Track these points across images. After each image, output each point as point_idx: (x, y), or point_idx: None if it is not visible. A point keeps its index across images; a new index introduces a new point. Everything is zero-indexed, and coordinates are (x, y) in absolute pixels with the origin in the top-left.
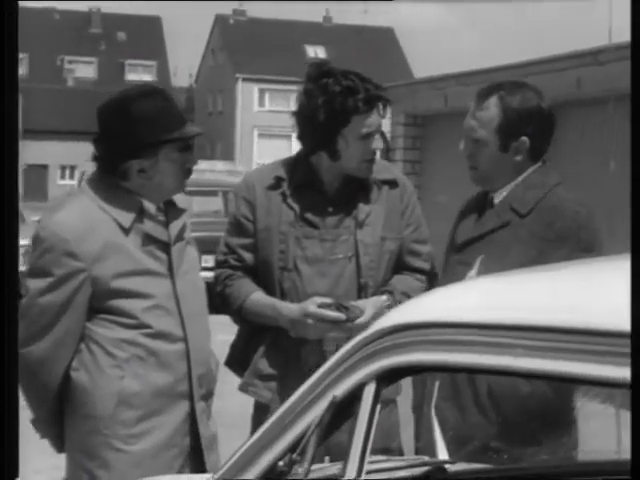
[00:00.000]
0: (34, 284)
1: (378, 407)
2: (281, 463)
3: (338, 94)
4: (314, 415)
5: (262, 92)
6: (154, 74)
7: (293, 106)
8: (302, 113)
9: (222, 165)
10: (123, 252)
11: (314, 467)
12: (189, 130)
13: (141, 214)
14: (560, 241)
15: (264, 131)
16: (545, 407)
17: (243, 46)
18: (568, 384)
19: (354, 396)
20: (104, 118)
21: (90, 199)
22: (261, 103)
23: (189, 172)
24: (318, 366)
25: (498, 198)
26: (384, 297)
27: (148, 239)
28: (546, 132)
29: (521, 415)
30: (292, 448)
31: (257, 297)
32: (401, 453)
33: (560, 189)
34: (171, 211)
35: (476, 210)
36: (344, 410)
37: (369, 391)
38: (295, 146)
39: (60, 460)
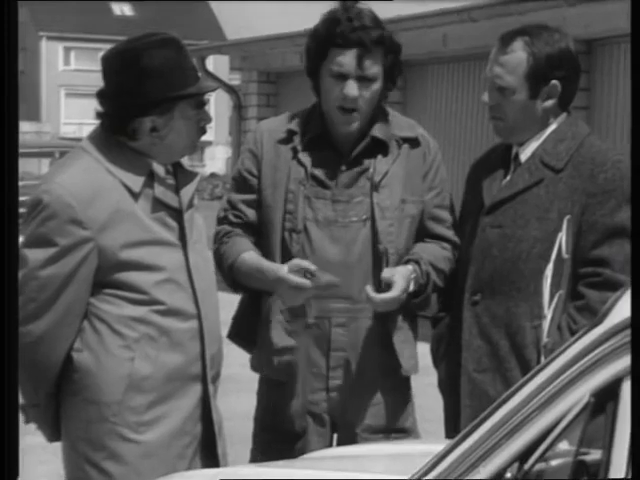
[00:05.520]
0: (33, 255)
1: None
2: (508, 475)
3: (324, 21)
4: (552, 417)
5: (67, 51)
6: None
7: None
8: None
9: (29, 126)
10: (132, 219)
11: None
12: (207, 84)
13: (150, 178)
14: (605, 194)
15: (71, 90)
16: None
17: (46, 3)
18: None
19: (609, 393)
20: (112, 71)
21: (95, 160)
22: (66, 62)
23: (203, 131)
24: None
25: (525, 153)
26: (410, 267)
27: (158, 205)
28: (575, 76)
29: None
30: (522, 456)
31: (247, 257)
32: (416, 433)
33: (593, 139)
34: (181, 175)
35: (499, 167)
36: (593, 409)
37: (629, 387)
38: None
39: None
